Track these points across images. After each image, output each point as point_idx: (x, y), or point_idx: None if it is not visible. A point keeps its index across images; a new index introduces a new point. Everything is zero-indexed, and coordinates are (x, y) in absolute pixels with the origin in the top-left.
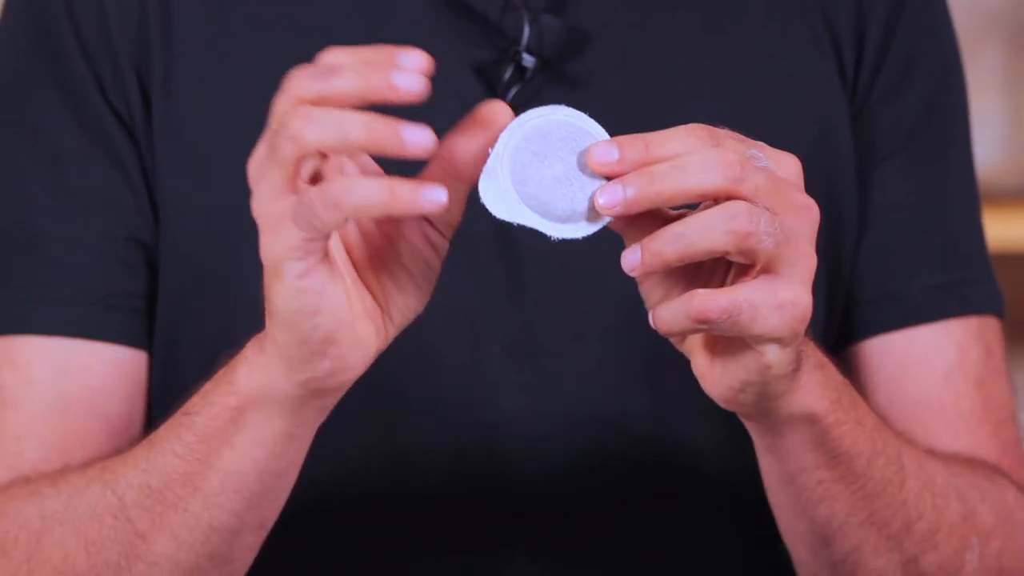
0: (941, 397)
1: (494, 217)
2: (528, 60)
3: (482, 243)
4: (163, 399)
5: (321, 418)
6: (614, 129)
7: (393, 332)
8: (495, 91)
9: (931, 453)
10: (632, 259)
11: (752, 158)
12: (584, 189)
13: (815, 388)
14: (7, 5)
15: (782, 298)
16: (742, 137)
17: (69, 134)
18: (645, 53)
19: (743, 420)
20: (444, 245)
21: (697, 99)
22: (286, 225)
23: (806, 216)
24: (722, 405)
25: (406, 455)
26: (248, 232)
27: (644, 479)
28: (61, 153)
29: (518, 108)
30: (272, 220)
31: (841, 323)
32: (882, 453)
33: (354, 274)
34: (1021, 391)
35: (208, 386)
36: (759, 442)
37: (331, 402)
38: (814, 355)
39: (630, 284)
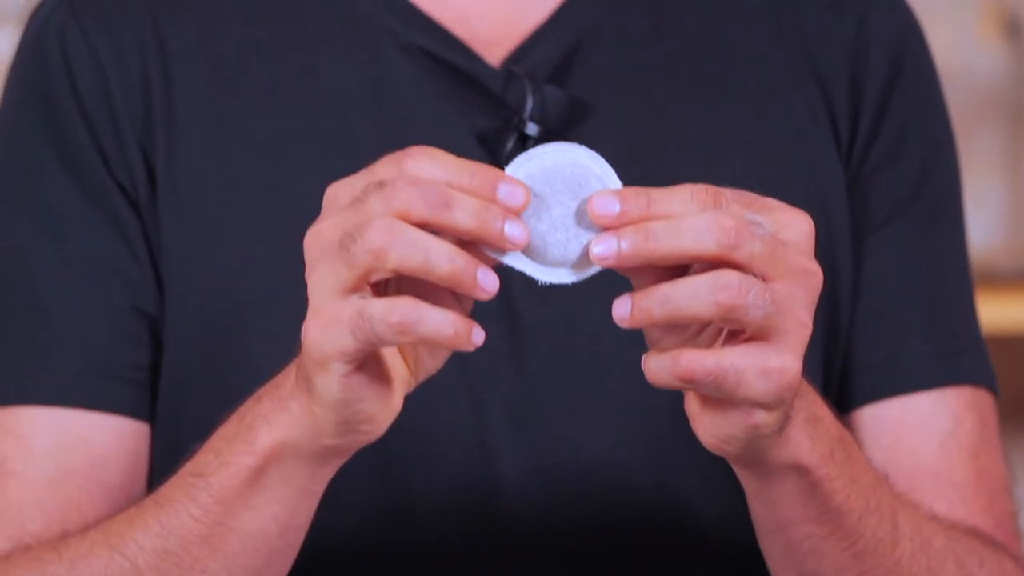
0: (936, 466)
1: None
2: (532, 129)
3: (482, 305)
4: (165, 471)
5: (335, 470)
6: None
7: (413, 388)
8: (498, 160)
9: (932, 517)
10: (622, 311)
11: (751, 224)
12: (579, 237)
13: (805, 442)
14: (10, 79)
15: (769, 365)
16: (751, 197)
17: (73, 206)
18: (642, 124)
19: (732, 466)
20: (470, 305)
21: (695, 169)
22: (341, 327)
23: (805, 281)
24: (709, 449)
25: (406, 512)
26: (254, 304)
27: (642, 540)
28: (65, 224)
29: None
30: (326, 316)
31: (838, 391)
32: (875, 512)
33: (395, 348)
34: (1022, 475)
35: (219, 444)
36: (748, 488)
37: (349, 456)
38: (807, 409)
39: (629, 344)
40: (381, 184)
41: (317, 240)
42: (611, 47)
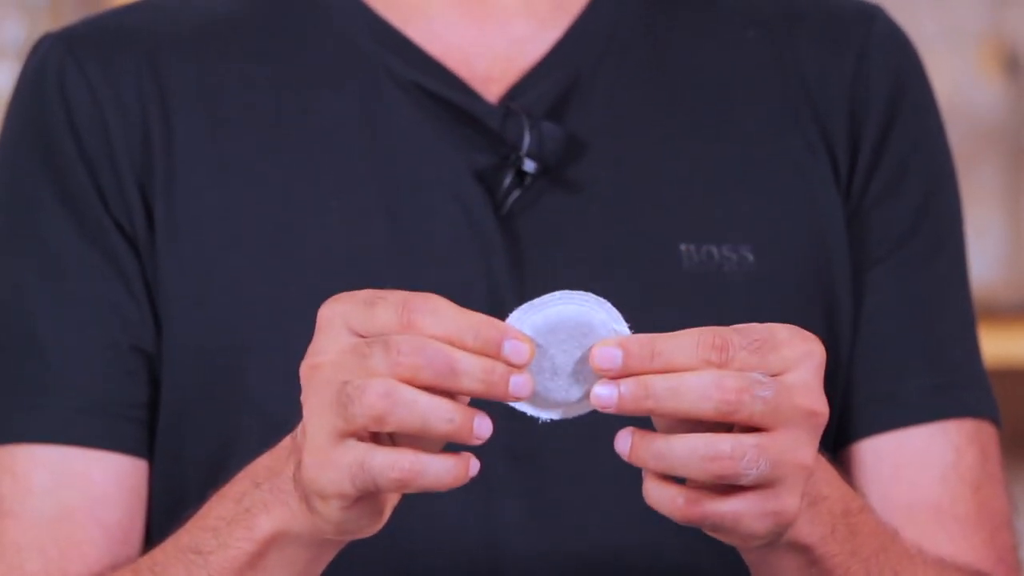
0: (937, 499)
1: None
2: (530, 165)
3: None
4: (165, 509)
5: (336, 553)
6: (611, 240)
7: None
8: (495, 196)
9: (938, 564)
10: (622, 447)
11: (754, 384)
12: (581, 382)
13: (804, 525)
14: (8, 115)
15: (767, 509)
16: (760, 336)
17: (71, 244)
18: (640, 160)
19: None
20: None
21: (694, 204)
22: (340, 473)
23: (807, 424)
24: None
25: (407, 570)
26: (252, 342)
27: None
28: (63, 263)
29: (519, 214)
30: (325, 456)
31: (837, 425)
32: None
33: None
34: (1023, 508)
35: (218, 523)
36: (749, 561)
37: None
38: (810, 493)
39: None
40: (386, 344)
41: (315, 374)
42: (609, 83)
